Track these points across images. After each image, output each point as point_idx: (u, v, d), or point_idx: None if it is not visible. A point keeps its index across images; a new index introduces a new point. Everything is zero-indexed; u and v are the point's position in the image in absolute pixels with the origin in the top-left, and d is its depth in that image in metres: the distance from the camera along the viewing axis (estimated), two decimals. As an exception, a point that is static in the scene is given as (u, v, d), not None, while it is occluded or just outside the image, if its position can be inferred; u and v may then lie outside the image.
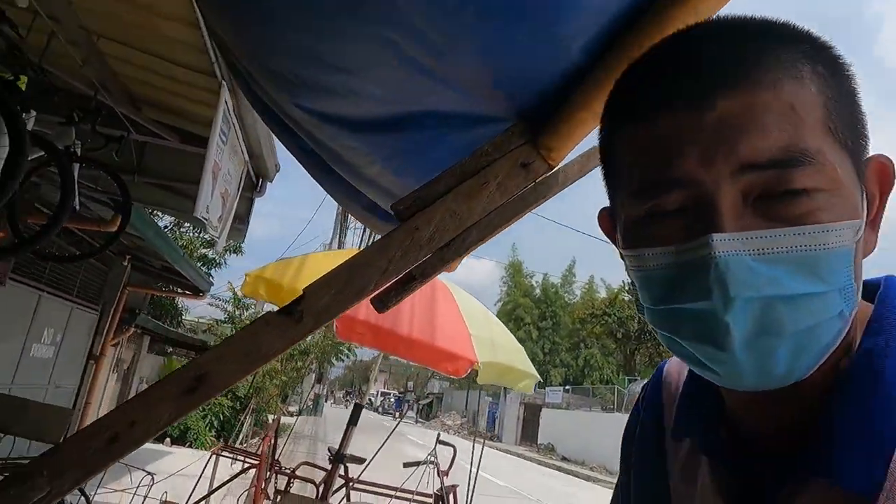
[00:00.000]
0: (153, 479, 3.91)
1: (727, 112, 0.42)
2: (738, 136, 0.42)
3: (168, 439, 11.94)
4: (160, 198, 5.29)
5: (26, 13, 3.06)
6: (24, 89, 2.97)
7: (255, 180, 5.09)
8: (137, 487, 3.80)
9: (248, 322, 15.60)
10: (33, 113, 3.10)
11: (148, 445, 11.61)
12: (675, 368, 0.67)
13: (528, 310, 32.69)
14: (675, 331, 0.46)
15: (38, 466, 0.88)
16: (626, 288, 29.23)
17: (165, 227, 12.72)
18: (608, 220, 0.56)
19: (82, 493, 4.09)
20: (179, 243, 13.39)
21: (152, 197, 5.27)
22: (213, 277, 13.85)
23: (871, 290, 0.51)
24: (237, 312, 16.12)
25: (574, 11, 0.85)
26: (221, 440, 11.25)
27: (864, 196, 0.46)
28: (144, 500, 3.99)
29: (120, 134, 3.95)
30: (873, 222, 0.48)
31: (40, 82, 3.18)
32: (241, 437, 12.23)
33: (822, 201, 0.42)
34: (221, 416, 12.98)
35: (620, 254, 0.53)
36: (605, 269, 60.98)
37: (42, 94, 3.33)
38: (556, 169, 1.20)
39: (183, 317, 16.44)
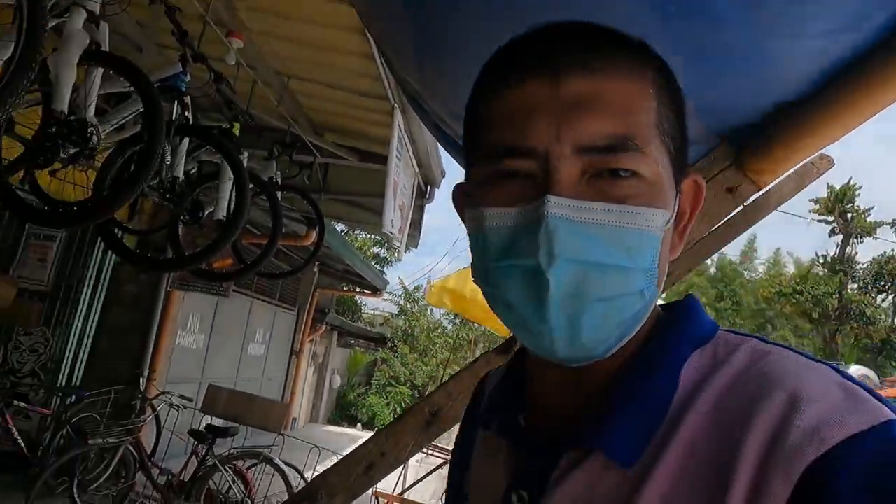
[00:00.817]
0: (358, 466, 4.35)
1: (580, 92, 0.47)
2: (584, 119, 0.46)
3: (359, 424, 13.16)
4: (343, 211, 5.84)
5: (231, 66, 3.56)
6: (237, 135, 3.47)
7: (424, 188, 5.39)
8: (345, 473, 4.24)
9: (419, 315, 16.63)
10: (246, 154, 3.60)
11: (345, 430, 12.64)
12: (497, 371, 0.71)
13: (703, 290, 30.40)
14: (505, 288, 0.49)
15: (317, 488, 1.06)
16: (821, 261, 25.91)
17: (341, 230, 13.99)
18: (461, 194, 0.58)
19: (300, 474, 4.70)
20: (355, 245, 14.60)
21: (336, 211, 5.83)
22: (385, 274, 14.91)
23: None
24: (408, 306, 17.16)
25: (790, 59, 0.82)
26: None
27: (678, 203, 0.52)
28: (352, 484, 4.45)
29: (310, 160, 4.44)
30: (682, 232, 0.54)
31: (248, 126, 3.69)
32: (421, 423, 13.05)
33: (644, 189, 0.47)
34: (403, 404, 13.98)
35: (463, 217, 0.56)
36: (792, 241, 54.51)
37: (250, 135, 3.86)
38: (765, 190, 1.14)
39: (361, 311, 17.93)
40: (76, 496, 4.13)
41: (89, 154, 2.46)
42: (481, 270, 0.52)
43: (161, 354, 5.80)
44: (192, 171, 3.60)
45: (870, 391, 0.43)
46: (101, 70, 2.27)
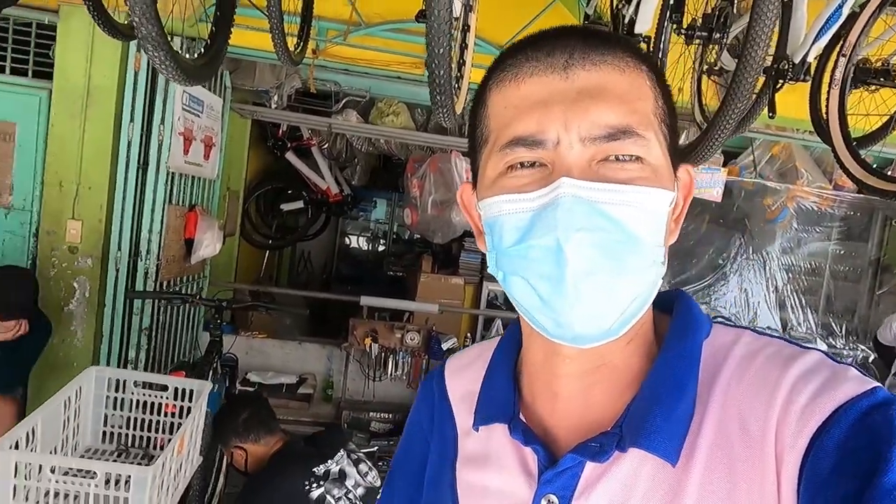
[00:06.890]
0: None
1: (587, 85, 0.51)
2: (590, 109, 0.50)
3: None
4: None
5: None
6: None
7: None
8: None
9: None
10: None
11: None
12: (457, 373, 0.70)
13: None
14: (523, 269, 0.52)
15: None
16: None
17: None
18: (469, 193, 0.61)
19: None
20: None
21: None
22: None
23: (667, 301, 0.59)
24: None
25: None
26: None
27: (676, 189, 0.55)
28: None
29: None
30: (678, 219, 0.57)
31: None
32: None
33: (647, 172, 0.51)
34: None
35: (470, 216, 0.61)
36: None
37: None
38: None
39: None
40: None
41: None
42: (500, 256, 0.54)
43: None
44: None
45: (854, 367, 0.50)
46: None
